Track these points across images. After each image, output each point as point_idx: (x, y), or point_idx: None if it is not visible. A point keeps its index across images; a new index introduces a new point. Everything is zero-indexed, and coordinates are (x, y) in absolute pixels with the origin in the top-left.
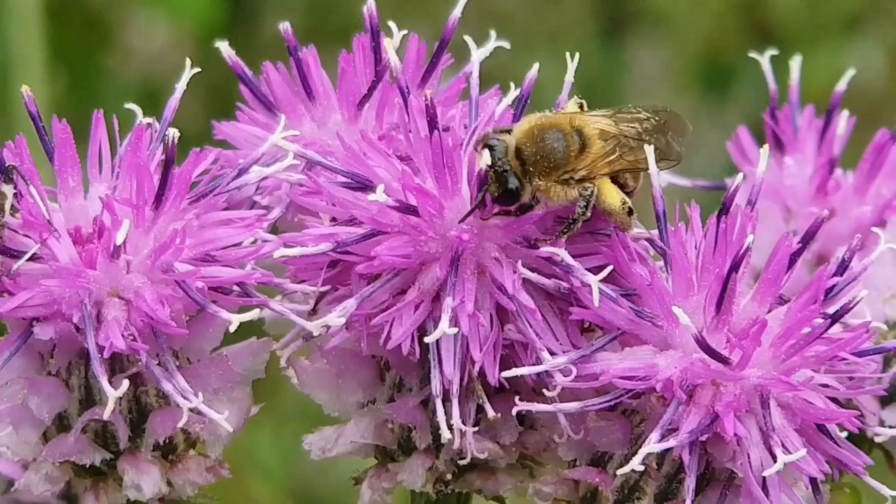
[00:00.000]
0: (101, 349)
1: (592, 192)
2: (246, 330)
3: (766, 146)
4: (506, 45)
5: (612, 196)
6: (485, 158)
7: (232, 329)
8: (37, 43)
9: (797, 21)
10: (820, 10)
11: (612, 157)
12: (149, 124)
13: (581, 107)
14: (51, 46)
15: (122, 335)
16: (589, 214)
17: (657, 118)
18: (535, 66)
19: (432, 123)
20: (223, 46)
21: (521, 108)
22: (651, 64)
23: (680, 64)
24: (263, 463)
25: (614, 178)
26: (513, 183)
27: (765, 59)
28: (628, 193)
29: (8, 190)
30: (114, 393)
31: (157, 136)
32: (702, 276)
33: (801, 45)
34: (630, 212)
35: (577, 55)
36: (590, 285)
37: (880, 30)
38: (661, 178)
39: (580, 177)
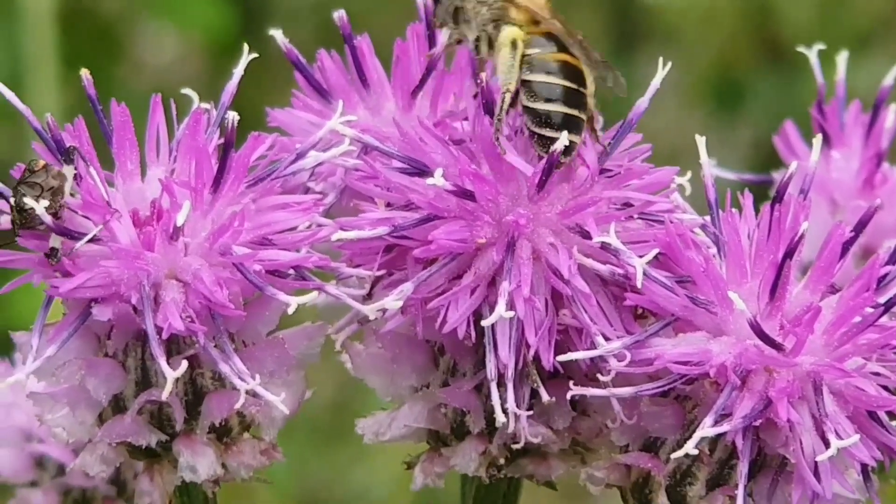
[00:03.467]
0: (159, 330)
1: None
2: (296, 315)
3: (819, 136)
4: None
5: (504, 34)
6: None
7: (290, 311)
8: (49, 52)
9: (808, 38)
10: (831, 27)
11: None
12: (206, 110)
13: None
14: (62, 56)
15: (180, 317)
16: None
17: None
18: None
19: (488, 108)
20: (277, 34)
21: None
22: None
23: (691, 80)
24: (272, 474)
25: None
26: None
27: (812, 53)
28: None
29: (69, 171)
30: (172, 374)
31: (215, 121)
32: (755, 263)
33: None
34: (515, 45)
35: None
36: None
37: (891, 47)
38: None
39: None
